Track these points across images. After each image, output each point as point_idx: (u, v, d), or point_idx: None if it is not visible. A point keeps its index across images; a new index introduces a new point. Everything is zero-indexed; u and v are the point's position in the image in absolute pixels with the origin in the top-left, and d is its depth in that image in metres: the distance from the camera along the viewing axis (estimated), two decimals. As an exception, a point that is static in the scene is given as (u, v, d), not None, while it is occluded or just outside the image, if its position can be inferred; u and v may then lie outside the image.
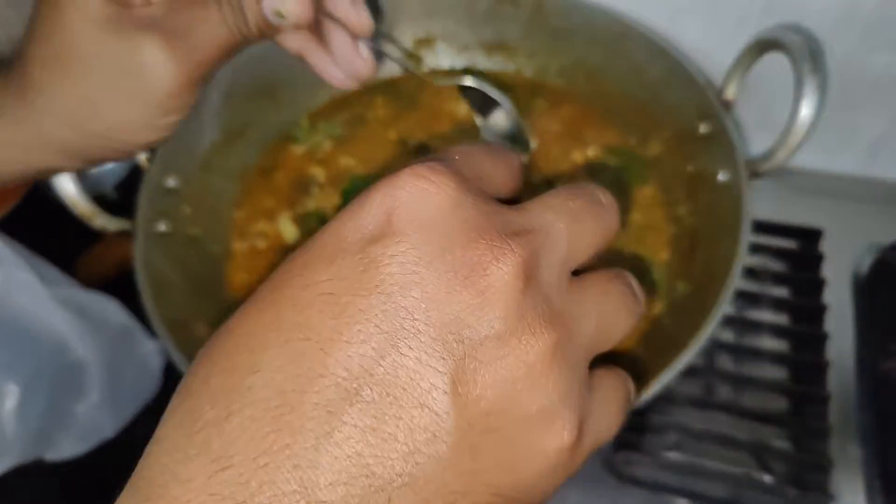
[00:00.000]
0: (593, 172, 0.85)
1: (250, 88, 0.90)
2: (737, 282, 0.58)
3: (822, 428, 0.71)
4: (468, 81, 0.69)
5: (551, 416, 0.24)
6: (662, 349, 0.65)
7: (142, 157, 0.74)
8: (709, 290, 0.62)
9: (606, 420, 0.28)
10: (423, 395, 0.22)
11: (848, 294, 0.85)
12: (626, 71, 0.89)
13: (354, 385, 0.22)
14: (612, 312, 0.29)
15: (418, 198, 0.24)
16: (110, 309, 0.84)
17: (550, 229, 0.26)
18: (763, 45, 0.64)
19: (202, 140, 0.83)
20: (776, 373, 0.80)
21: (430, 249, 0.23)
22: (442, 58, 1.03)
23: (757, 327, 0.83)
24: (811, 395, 0.74)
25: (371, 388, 0.22)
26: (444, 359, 0.22)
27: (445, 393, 0.22)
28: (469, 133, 0.90)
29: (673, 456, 0.74)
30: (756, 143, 1.07)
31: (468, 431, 0.23)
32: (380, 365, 0.22)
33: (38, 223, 0.77)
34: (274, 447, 0.21)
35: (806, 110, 0.57)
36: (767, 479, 0.70)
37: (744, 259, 0.58)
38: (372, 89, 0.99)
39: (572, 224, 0.27)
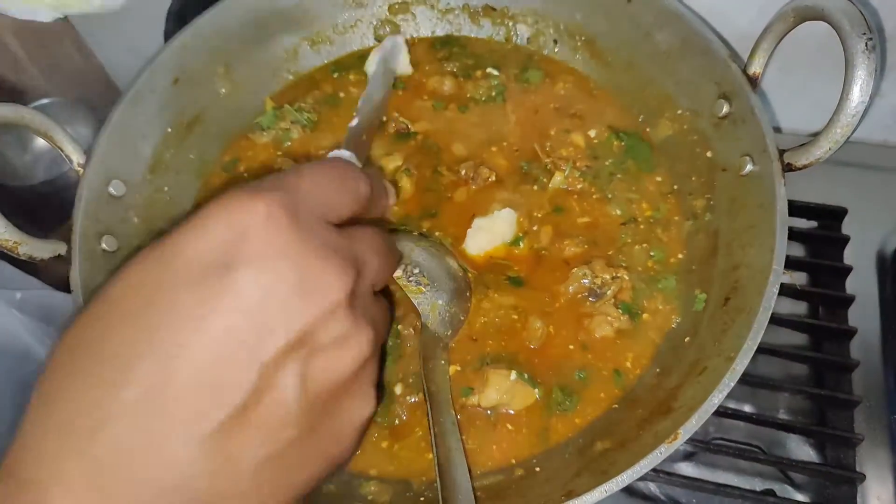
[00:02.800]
0: (596, 156, 0.75)
1: (202, 68, 0.78)
2: (773, 303, 0.50)
3: (850, 437, 0.65)
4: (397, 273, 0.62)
5: (359, 380, 0.34)
6: (677, 371, 0.57)
7: (75, 161, 0.63)
8: (736, 308, 0.54)
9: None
10: (278, 393, 0.29)
11: (874, 281, 0.78)
12: (632, 39, 0.77)
13: (218, 392, 0.27)
14: (381, 317, 0.37)
15: (264, 224, 0.28)
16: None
17: (365, 258, 0.35)
18: (801, 13, 0.54)
19: (149, 135, 0.72)
20: (798, 372, 0.73)
21: (278, 274, 0.28)
22: (423, 24, 0.91)
23: (773, 320, 0.76)
24: (837, 397, 0.68)
25: (231, 392, 0.27)
26: (296, 363, 0.29)
27: (296, 390, 0.29)
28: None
29: (685, 469, 0.69)
30: (785, 123, 0.97)
31: (310, 416, 0.30)
32: (240, 372, 0.27)
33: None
34: (149, 452, 0.26)
35: (858, 95, 0.48)
36: (792, 495, 0.65)
37: (780, 273, 0.50)
38: (343, 65, 0.88)
39: (377, 259, 0.36)
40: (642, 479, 0.66)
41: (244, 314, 0.27)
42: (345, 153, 0.62)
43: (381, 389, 0.49)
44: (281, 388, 0.28)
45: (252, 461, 0.28)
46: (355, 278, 0.31)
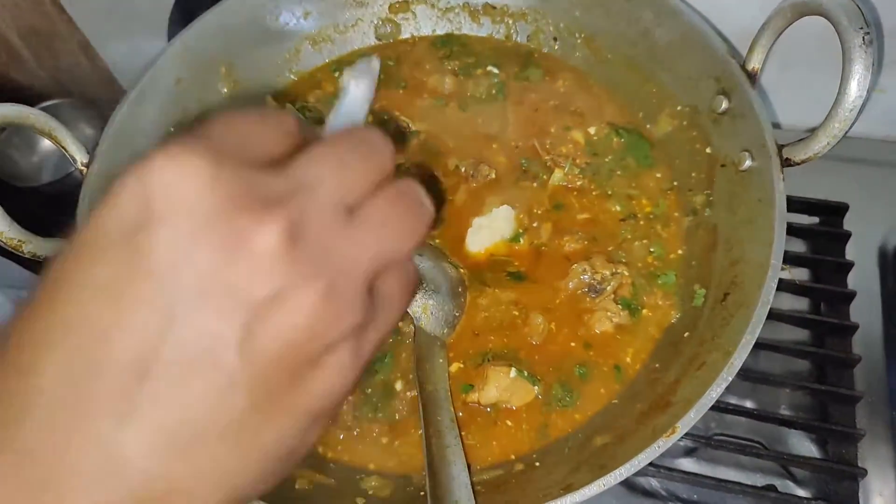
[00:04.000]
0: (596, 153, 0.75)
1: (204, 68, 0.79)
2: (772, 298, 0.50)
3: (852, 433, 0.65)
4: None
5: (332, 348, 0.27)
6: (676, 366, 0.57)
7: (79, 161, 0.64)
8: (735, 303, 0.54)
9: (390, 318, 0.30)
10: (212, 359, 0.25)
11: (875, 276, 0.78)
12: (631, 35, 0.77)
13: (142, 365, 0.24)
14: (394, 233, 0.30)
15: (173, 180, 0.25)
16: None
17: (315, 182, 0.28)
18: (799, 9, 0.54)
19: (152, 135, 0.72)
20: (800, 368, 0.73)
21: (193, 228, 0.25)
22: (423, 22, 0.92)
23: (775, 316, 0.76)
24: (838, 393, 0.68)
25: (160, 365, 0.24)
26: (226, 324, 0.25)
27: (234, 353, 0.25)
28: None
29: (686, 464, 0.69)
30: (785, 118, 0.96)
31: (260, 379, 0.26)
32: (164, 343, 0.24)
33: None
34: (75, 437, 0.24)
35: (855, 90, 0.48)
36: (793, 491, 0.65)
37: (779, 268, 0.50)
38: (344, 63, 0.88)
39: (339, 171, 0.29)
40: (644, 474, 0.67)
41: (157, 282, 0.24)
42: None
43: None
44: (217, 356, 0.25)
45: (191, 439, 0.25)
46: (292, 218, 0.26)
